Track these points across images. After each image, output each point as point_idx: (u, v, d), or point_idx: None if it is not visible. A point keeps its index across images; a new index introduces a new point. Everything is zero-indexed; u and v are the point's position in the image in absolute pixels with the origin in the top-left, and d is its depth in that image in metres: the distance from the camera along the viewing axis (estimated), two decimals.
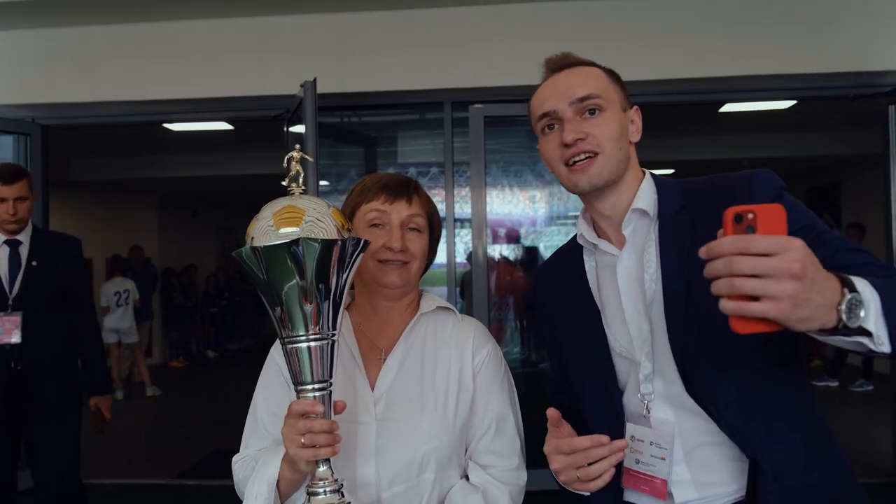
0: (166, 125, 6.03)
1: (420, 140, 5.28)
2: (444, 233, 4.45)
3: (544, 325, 1.41)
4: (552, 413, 1.16)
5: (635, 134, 1.28)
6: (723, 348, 1.12)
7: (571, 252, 1.36)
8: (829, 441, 1.20)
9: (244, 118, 4.97)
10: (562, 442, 1.13)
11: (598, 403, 1.27)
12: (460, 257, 4.67)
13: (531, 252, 5.42)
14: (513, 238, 5.34)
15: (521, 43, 4.03)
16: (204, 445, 5.69)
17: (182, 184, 9.75)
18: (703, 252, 0.87)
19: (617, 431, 1.22)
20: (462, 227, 4.58)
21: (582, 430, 1.25)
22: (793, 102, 5.48)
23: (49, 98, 4.33)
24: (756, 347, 1.10)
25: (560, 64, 1.28)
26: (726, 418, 1.13)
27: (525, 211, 5.20)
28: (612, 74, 1.28)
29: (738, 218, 0.86)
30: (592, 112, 1.22)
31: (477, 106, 4.26)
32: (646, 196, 1.25)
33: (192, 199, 12.00)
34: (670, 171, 8.17)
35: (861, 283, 0.90)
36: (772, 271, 0.82)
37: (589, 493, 1.18)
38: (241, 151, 7.99)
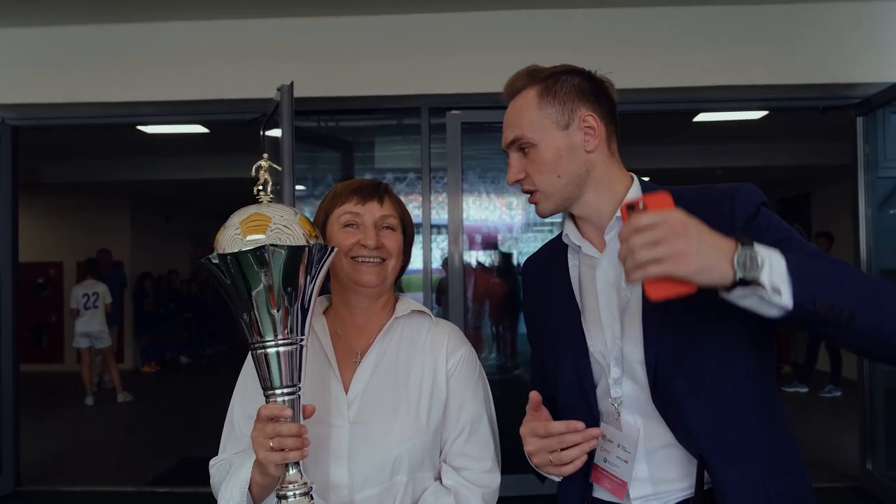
0: (140, 127, 5.96)
1: (397, 145, 5.29)
2: (420, 239, 4.46)
3: (529, 314, 1.45)
4: (534, 395, 1.20)
5: (591, 142, 1.25)
6: (697, 363, 1.17)
7: (557, 248, 1.39)
8: (793, 464, 1.22)
9: (220, 121, 4.93)
10: (538, 425, 1.18)
11: (573, 400, 1.29)
12: (436, 263, 4.67)
13: (507, 258, 5.44)
14: (489, 244, 5.36)
15: (499, 50, 4.05)
16: (175, 452, 5.63)
17: (155, 187, 9.65)
18: (619, 252, 0.99)
19: (591, 416, 1.26)
20: (439, 233, 4.58)
21: (556, 420, 1.28)
22: (764, 113, 5.58)
23: (20, 99, 4.26)
24: (731, 363, 1.18)
25: (507, 91, 1.31)
26: (689, 433, 1.17)
27: (501, 217, 5.22)
28: (550, 90, 1.26)
29: (631, 208, 1.00)
30: (524, 149, 1.26)
31: (454, 112, 4.28)
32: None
33: (166, 203, 11.88)
34: (645, 179, 8.25)
35: (761, 246, 0.99)
36: (660, 237, 0.94)
37: (559, 478, 1.25)
38: (216, 155, 7.93)
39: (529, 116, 1.26)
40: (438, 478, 1.37)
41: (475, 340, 5.29)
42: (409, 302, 1.44)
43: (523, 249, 5.17)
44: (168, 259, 11.97)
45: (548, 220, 4.97)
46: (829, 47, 4.02)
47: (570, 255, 1.34)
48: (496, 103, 4.20)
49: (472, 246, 5.17)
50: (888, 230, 4.26)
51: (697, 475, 1.16)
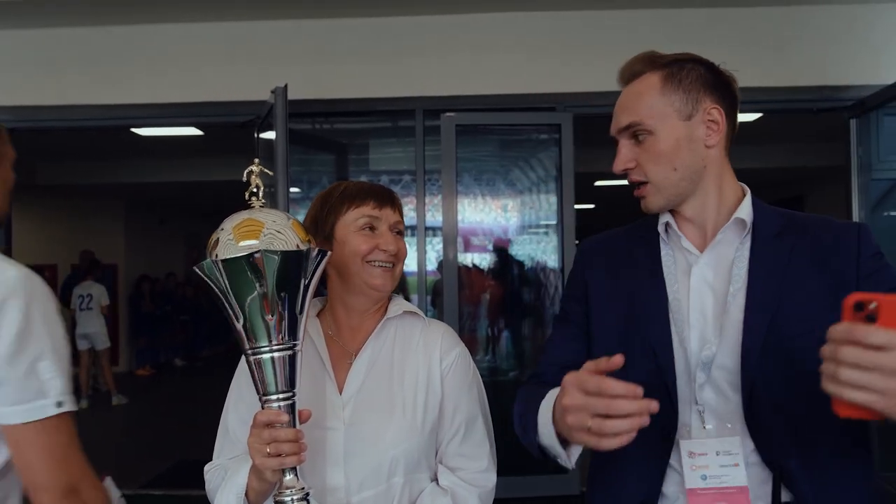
0: (135, 130, 5.95)
1: (392, 148, 5.28)
2: (415, 241, 4.47)
3: (580, 294, 1.32)
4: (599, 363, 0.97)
5: (713, 137, 1.20)
6: (791, 388, 1.11)
7: (635, 235, 1.33)
8: (865, 481, 1.16)
9: (214, 124, 4.92)
10: (590, 378, 0.95)
11: (651, 388, 1.16)
12: (431, 266, 4.67)
13: (503, 261, 5.44)
14: (484, 247, 5.36)
15: (493, 52, 4.06)
16: (171, 455, 5.61)
17: (150, 189, 9.63)
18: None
19: (670, 419, 1.15)
20: (433, 235, 4.58)
21: None
22: (759, 115, 5.59)
23: (15, 101, 4.25)
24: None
25: (624, 74, 1.25)
26: (774, 448, 1.11)
27: (497, 220, 5.22)
28: (676, 77, 1.20)
29: (859, 306, 0.84)
30: (638, 137, 1.20)
31: (449, 114, 4.28)
32: (747, 209, 1.23)
33: (160, 205, 11.85)
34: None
35: None
36: (880, 366, 0.81)
37: (572, 463, 1.10)
38: (210, 157, 7.91)
39: (650, 101, 1.19)
40: (435, 479, 1.37)
41: (470, 343, 5.28)
42: (402, 303, 1.44)
43: (518, 252, 5.16)
44: (163, 261, 11.94)
45: (542, 222, 4.99)
46: (823, 50, 4.04)
47: (662, 244, 1.27)
48: (491, 105, 4.21)
49: (466, 248, 5.17)
50: (881, 232, 4.27)
51: (774, 486, 1.10)
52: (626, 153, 1.21)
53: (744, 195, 1.26)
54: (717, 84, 1.22)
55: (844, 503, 1.12)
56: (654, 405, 0.92)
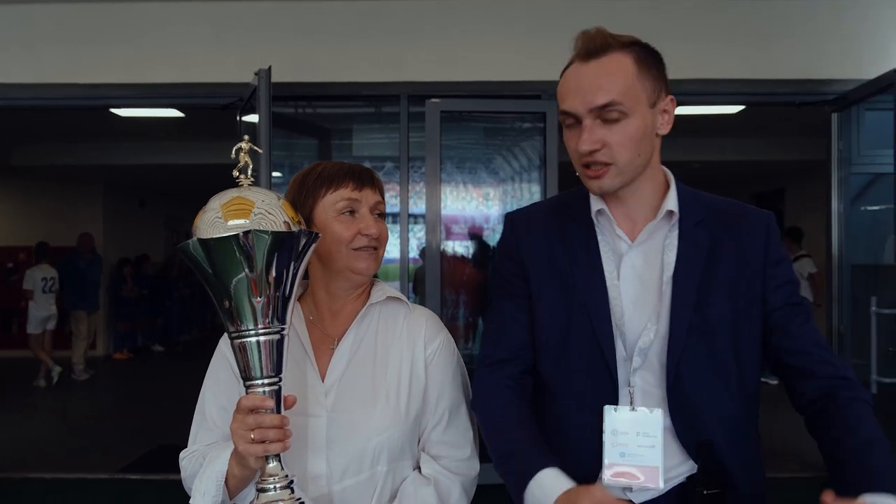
0: (114, 110, 5.86)
1: (375, 133, 5.25)
2: (398, 228, 4.45)
3: (517, 271, 1.33)
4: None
5: (664, 126, 1.22)
6: (715, 368, 1.21)
7: (567, 216, 1.32)
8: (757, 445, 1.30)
9: (195, 105, 4.86)
10: None
11: (584, 366, 1.24)
12: (413, 253, 4.65)
13: (484, 249, 5.44)
14: (465, 234, 5.35)
15: (480, 38, 4.03)
16: (148, 440, 5.56)
17: (129, 172, 9.50)
18: None
19: (610, 400, 1.21)
20: (416, 222, 4.56)
21: (544, 401, 1.28)
22: (741, 108, 5.63)
23: None
24: (749, 370, 1.23)
25: (589, 48, 1.18)
26: (699, 429, 1.20)
27: (479, 208, 5.21)
28: (645, 62, 1.19)
29: None
30: (613, 119, 1.16)
31: (434, 100, 4.25)
32: (674, 198, 1.26)
33: (140, 188, 11.70)
34: None
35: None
36: None
37: None
38: (191, 140, 7.82)
39: (628, 83, 1.16)
40: (418, 467, 1.35)
41: (451, 330, 5.27)
42: (385, 288, 1.41)
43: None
44: (142, 245, 11.81)
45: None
46: (806, 43, 4.06)
47: (598, 229, 1.28)
48: (477, 92, 4.16)
49: (448, 236, 5.16)
50: (860, 226, 4.33)
51: (703, 454, 1.17)
52: (595, 133, 1.16)
53: (668, 182, 1.29)
54: (665, 74, 1.23)
55: (752, 484, 1.24)
56: None
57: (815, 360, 1.21)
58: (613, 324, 1.23)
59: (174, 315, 12.28)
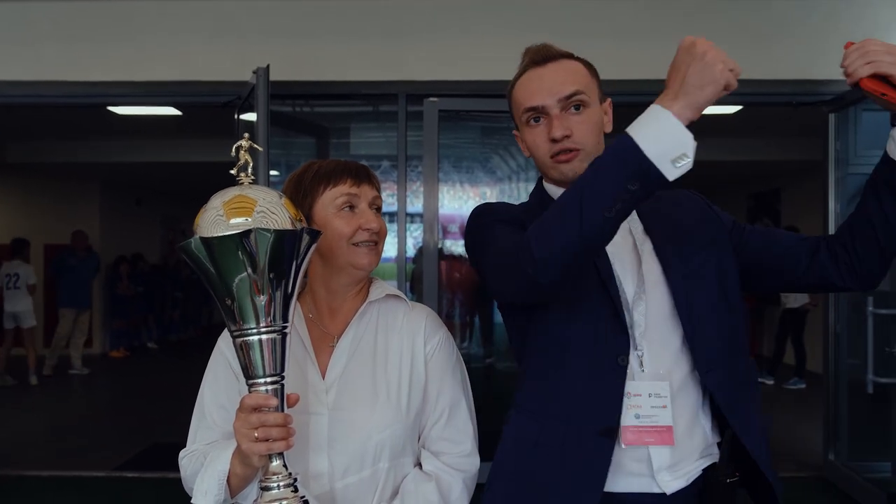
0: (111, 108, 5.84)
1: (373, 132, 5.25)
2: (395, 227, 4.44)
3: (513, 215, 1.38)
4: None
5: (608, 125, 1.37)
6: (713, 316, 1.29)
7: (538, 209, 1.32)
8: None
9: (193, 104, 4.85)
10: None
11: (601, 331, 1.28)
12: (411, 252, 4.65)
13: None
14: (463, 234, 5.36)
15: (478, 37, 4.03)
16: (145, 437, 5.56)
17: (126, 170, 9.47)
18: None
19: (613, 358, 1.26)
20: (413, 221, 4.56)
21: (549, 347, 1.31)
22: (738, 108, 5.63)
23: None
24: (727, 318, 1.31)
25: (543, 56, 1.34)
26: (709, 369, 1.27)
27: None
28: (591, 68, 1.37)
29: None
30: (577, 108, 1.30)
31: (432, 99, 4.25)
32: None
33: (137, 186, 11.68)
34: None
35: None
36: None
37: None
38: (189, 138, 7.79)
39: (586, 78, 1.33)
40: (417, 463, 1.36)
41: (448, 328, 5.28)
42: (384, 286, 1.42)
43: None
44: (139, 243, 11.79)
45: None
46: (803, 43, 4.07)
47: None
48: (474, 91, 4.17)
49: (446, 235, 5.16)
50: None
51: (727, 443, 1.26)
52: (565, 120, 1.29)
53: None
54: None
55: (756, 429, 1.31)
56: None
57: (795, 237, 1.35)
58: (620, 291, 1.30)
59: (171, 314, 12.26)
